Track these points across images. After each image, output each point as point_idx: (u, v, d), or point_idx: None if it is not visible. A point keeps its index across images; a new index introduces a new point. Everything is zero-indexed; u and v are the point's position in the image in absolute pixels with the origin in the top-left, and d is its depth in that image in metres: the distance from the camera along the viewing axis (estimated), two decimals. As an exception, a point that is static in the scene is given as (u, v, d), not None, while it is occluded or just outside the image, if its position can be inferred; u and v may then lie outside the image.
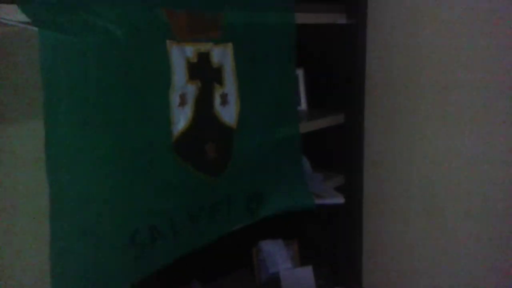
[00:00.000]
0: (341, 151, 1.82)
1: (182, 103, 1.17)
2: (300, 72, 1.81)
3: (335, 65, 1.77)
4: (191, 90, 1.19)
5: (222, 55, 1.26)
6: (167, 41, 1.11)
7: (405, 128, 1.70)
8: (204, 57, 1.21)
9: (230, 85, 1.28)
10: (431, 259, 1.70)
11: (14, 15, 0.85)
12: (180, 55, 1.14)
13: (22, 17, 0.86)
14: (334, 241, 1.92)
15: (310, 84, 1.82)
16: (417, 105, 1.64)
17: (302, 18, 1.55)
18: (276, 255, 1.96)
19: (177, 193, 1.18)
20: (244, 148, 1.35)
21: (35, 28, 0.86)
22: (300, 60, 1.79)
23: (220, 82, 1.26)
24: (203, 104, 1.22)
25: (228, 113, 1.29)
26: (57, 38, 0.89)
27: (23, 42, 1.12)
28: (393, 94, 1.71)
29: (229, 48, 1.27)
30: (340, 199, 1.64)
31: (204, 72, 1.21)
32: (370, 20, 1.72)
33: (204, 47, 1.21)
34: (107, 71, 0.98)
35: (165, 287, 1.65)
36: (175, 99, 1.14)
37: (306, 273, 1.89)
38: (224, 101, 1.28)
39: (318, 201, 1.61)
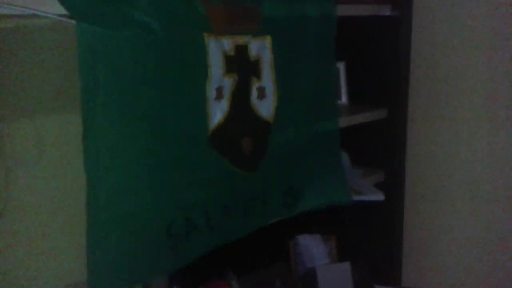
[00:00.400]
0: (382, 147, 1.77)
1: (219, 96, 1.16)
2: (341, 66, 1.77)
3: (378, 59, 1.72)
4: (228, 83, 1.18)
5: (260, 48, 1.24)
6: (204, 34, 1.10)
7: (449, 124, 1.64)
8: (242, 50, 1.20)
9: (267, 79, 1.27)
10: (475, 259, 1.63)
11: (51, 7, 0.86)
12: (217, 48, 1.14)
13: (59, 9, 0.87)
14: (373, 238, 1.88)
15: (352, 78, 1.77)
16: (462, 101, 1.58)
17: (344, 9, 1.52)
18: (314, 250, 1.94)
19: (212, 187, 1.19)
20: (281, 143, 1.34)
21: (73, 21, 0.87)
22: (342, 53, 1.76)
23: (258, 75, 1.25)
24: (240, 97, 1.21)
25: (265, 107, 1.28)
26: (95, 31, 0.91)
27: (26, 38, 1.13)
28: (437, 90, 1.65)
29: (267, 40, 1.26)
30: (379, 196, 1.61)
31: (241, 65, 1.20)
32: (416, 12, 1.66)
33: (242, 39, 1.20)
34: (144, 64, 0.99)
35: (199, 275, 1.65)
36: (211, 92, 1.14)
37: (344, 269, 1.86)
38: (261, 94, 1.26)
39: (357, 198, 1.58)
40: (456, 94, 1.59)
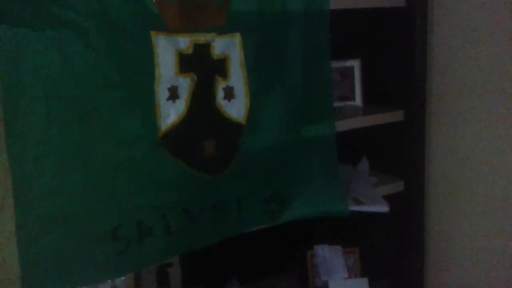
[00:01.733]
0: (401, 153, 1.61)
1: (173, 96, 1.12)
2: (355, 64, 1.65)
3: (394, 56, 1.57)
4: (184, 83, 1.14)
5: (227, 46, 1.18)
6: (152, 33, 1.07)
7: (473, 128, 1.44)
8: (201, 49, 1.15)
9: (237, 78, 1.21)
10: (502, 272, 1.42)
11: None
12: (168, 47, 1.10)
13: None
14: (396, 252, 1.71)
15: (367, 77, 1.64)
16: (486, 101, 1.38)
17: (356, 2, 1.41)
18: (332, 262, 1.82)
19: (168, 189, 1.15)
20: (257, 146, 1.26)
21: (-11, 23, 0.88)
22: (357, 51, 1.64)
23: (224, 74, 1.19)
24: (201, 97, 1.16)
25: (235, 108, 1.21)
26: (14, 32, 0.91)
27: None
28: (458, 89, 1.46)
29: (236, 38, 1.20)
30: (383, 208, 1.46)
31: (201, 64, 1.15)
32: (433, 3, 1.48)
33: (203, 38, 1.15)
34: (72, 63, 0.98)
35: (204, 282, 1.62)
36: (162, 92, 1.10)
37: (360, 285, 1.72)
38: (229, 95, 1.20)
39: (357, 208, 1.45)
40: (480, 93, 1.39)
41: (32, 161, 0.97)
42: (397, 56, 1.55)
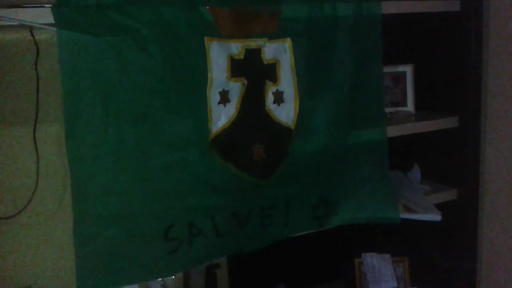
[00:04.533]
0: (455, 160, 1.57)
1: (224, 100, 1.15)
2: (408, 69, 1.62)
3: (448, 61, 1.54)
4: (235, 87, 1.16)
5: (278, 51, 1.20)
6: (206, 38, 1.10)
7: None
8: (253, 54, 1.17)
9: (286, 83, 1.22)
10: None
11: (40, 18, 0.93)
12: (221, 52, 1.12)
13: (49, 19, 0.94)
14: (448, 263, 1.66)
15: (421, 82, 1.61)
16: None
17: (409, 6, 1.40)
18: (381, 270, 1.79)
19: (217, 192, 1.17)
20: (306, 151, 1.26)
21: (54, 29, 0.93)
22: (409, 56, 1.62)
23: (273, 79, 1.20)
24: (251, 102, 1.18)
25: (284, 112, 1.22)
26: (75, 37, 0.96)
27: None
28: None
29: (287, 43, 1.21)
30: (435, 216, 1.43)
31: (252, 69, 1.17)
32: (490, 7, 1.44)
33: (254, 43, 1.17)
34: (130, 68, 1.02)
35: (251, 285, 1.63)
36: (214, 96, 1.13)
37: (409, 295, 1.68)
38: (279, 99, 1.21)
39: (407, 216, 1.42)
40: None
41: (90, 161, 1.02)
42: (451, 61, 1.51)
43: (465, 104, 1.50)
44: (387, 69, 1.55)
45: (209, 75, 1.11)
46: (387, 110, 1.53)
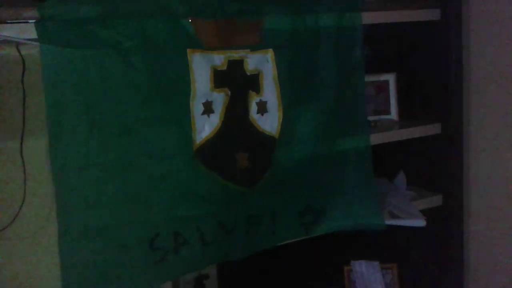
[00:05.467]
0: (439, 167, 1.59)
1: (208, 110, 1.17)
2: (391, 78, 1.65)
3: (429, 69, 1.57)
4: (219, 98, 1.18)
5: (260, 62, 1.22)
6: (188, 50, 1.12)
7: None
8: (236, 65, 1.19)
9: (270, 93, 1.24)
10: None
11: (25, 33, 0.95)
12: (204, 63, 1.14)
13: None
14: (435, 268, 1.68)
15: (403, 91, 1.63)
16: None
17: (390, 16, 1.43)
18: (370, 277, 1.80)
19: (203, 201, 1.18)
20: (290, 159, 1.28)
21: (36, 43, 0.95)
22: (392, 65, 1.64)
23: (256, 89, 1.22)
24: (235, 112, 1.20)
25: (268, 122, 1.24)
26: (58, 51, 0.98)
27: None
28: (497, 100, 1.44)
29: (269, 54, 1.23)
30: (420, 222, 1.44)
31: (235, 80, 1.19)
32: (470, 16, 1.48)
33: (237, 54, 1.19)
34: (113, 80, 1.04)
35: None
36: (197, 107, 1.15)
37: (398, 303, 1.69)
38: (262, 109, 1.23)
39: (392, 222, 1.44)
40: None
41: (74, 174, 1.03)
42: (433, 68, 1.54)
43: (447, 110, 1.52)
44: (370, 78, 1.57)
45: (192, 86, 1.13)
46: (371, 118, 1.55)
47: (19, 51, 1.17)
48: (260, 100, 1.22)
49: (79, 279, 1.05)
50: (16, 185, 1.26)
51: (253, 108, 1.22)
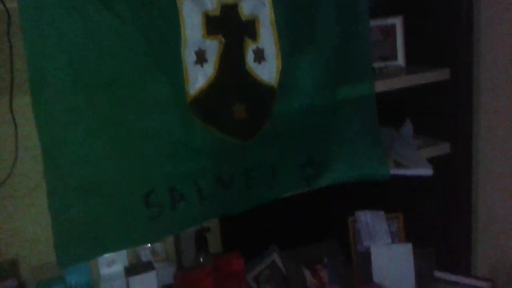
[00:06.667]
0: (447, 114, 1.53)
1: (200, 60, 1.10)
2: (397, 21, 1.56)
3: (438, 11, 1.47)
4: (212, 45, 1.11)
5: (256, 6, 1.14)
6: None
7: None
8: (229, 9, 1.11)
9: (267, 40, 1.17)
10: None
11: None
12: (195, 8, 1.07)
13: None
14: (443, 218, 1.65)
15: (410, 35, 1.54)
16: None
17: None
18: (375, 227, 1.77)
19: (199, 155, 1.14)
20: (291, 109, 1.22)
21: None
22: (399, 7, 1.55)
23: (253, 36, 1.15)
24: (230, 61, 1.13)
25: (266, 71, 1.18)
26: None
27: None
28: (510, 43, 1.35)
29: None
30: (427, 171, 1.39)
31: (229, 26, 1.11)
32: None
33: (231, -2, 1.11)
34: (96, 29, 0.98)
35: (243, 247, 1.62)
36: (189, 56, 1.08)
37: (404, 251, 1.67)
38: (259, 57, 1.17)
39: (398, 171, 1.39)
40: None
41: (60, 130, 0.98)
42: (442, 11, 1.45)
43: (457, 55, 1.44)
44: (376, 22, 1.49)
45: (182, 34, 1.06)
46: (377, 64, 1.48)
47: (4, 4, 1.11)
48: (257, 47, 1.15)
49: (72, 236, 1.03)
50: (8, 142, 1.23)
51: (250, 56, 1.15)
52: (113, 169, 1.04)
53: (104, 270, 1.28)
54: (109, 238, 1.07)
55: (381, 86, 1.35)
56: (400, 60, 1.56)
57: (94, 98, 1.00)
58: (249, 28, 1.13)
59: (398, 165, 1.40)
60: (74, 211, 1.02)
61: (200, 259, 1.39)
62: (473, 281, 1.56)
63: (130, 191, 1.07)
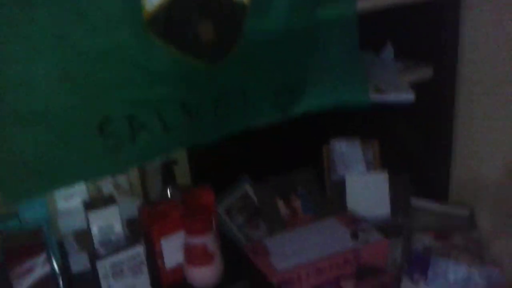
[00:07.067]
0: (430, 37, 1.42)
1: (159, -31, 0.95)
2: None
3: None
4: None
5: None
6: None
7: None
8: None
9: None
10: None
11: None
12: None
13: None
14: (422, 144, 1.59)
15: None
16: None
17: None
18: (350, 156, 1.71)
19: (160, 80, 1.01)
20: (264, 30, 1.10)
21: None
22: None
23: None
24: None
25: (236, -16, 1.03)
26: None
27: None
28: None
29: None
30: (408, 96, 1.31)
31: None
32: None
33: None
34: None
35: (213, 179, 1.54)
36: None
37: (379, 179, 1.62)
38: (228, -32, 1.01)
39: (377, 97, 1.30)
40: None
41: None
42: None
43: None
44: None
45: None
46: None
47: None
48: (225, -44, 1.00)
49: (16, 170, 0.92)
50: None
51: (217, -34, 1.00)
52: (58, 95, 0.91)
53: (62, 205, 1.18)
54: (60, 171, 0.97)
55: (361, 5, 1.22)
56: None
57: (32, 13, 0.85)
58: None
59: (378, 90, 1.31)
60: (20, 142, 0.91)
61: (167, 193, 1.30)
62: (449, 208, 1.54)
63: (81, 119, 0.95)
